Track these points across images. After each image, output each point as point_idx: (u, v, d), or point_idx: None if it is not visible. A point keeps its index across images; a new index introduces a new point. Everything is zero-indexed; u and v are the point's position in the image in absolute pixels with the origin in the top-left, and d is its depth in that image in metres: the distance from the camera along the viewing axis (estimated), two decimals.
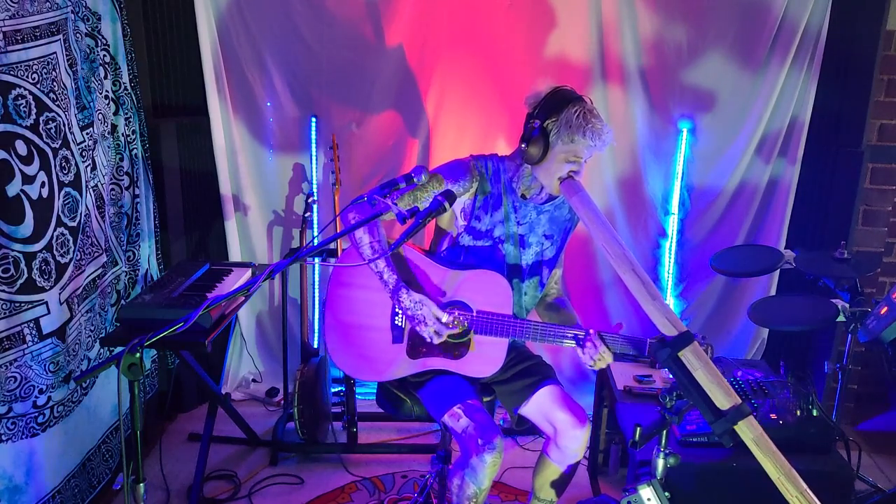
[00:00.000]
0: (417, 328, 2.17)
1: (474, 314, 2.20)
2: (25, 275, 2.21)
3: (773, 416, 2.31)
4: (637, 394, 2.69)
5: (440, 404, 2.20)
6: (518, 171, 2.26)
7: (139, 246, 3.05)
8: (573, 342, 2.14)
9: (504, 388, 2.35)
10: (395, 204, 2.09)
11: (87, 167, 2.59)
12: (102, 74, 2.74)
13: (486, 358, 2.23)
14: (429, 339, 2.17)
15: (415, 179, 2.14)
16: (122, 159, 2.90)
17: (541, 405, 2.26)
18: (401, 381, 2.34)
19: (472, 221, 2.25)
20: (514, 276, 2.31)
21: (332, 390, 3.39)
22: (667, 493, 1.84)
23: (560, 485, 2.33)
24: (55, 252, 2.36)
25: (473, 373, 2.25)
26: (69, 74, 2.48)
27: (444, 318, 2.15)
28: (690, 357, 1.76)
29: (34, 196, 2.25)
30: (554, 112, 2.14)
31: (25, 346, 2.25)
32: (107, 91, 2.78)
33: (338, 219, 2.88)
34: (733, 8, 3.21)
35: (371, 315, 2.28)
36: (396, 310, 2.26)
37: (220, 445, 3.16)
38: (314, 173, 3.49)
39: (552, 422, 2.24)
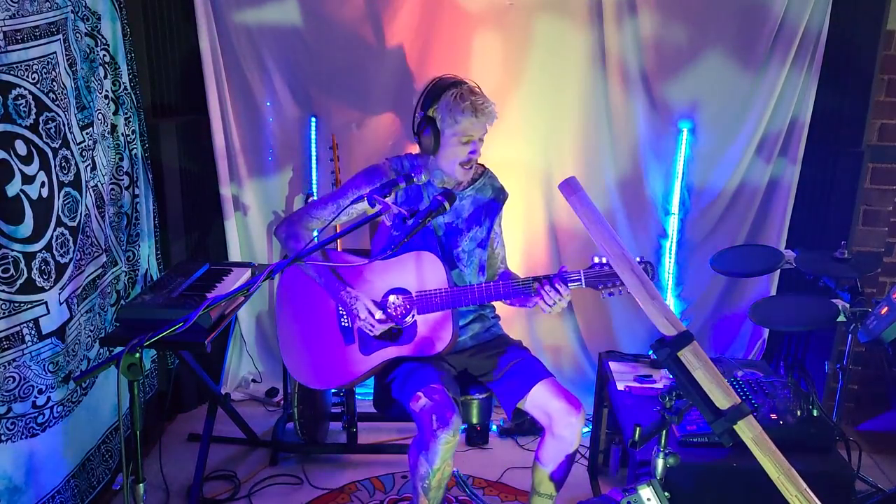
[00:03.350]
0: (356, 323, 2.26)
1: (414, 296, 2.27)
2: (25, 275, 2.21)
3: (773, 416, 2.31)
4: (637, 394, 2.69)
5: (407, 396, 2.25)
6: (428, 166, 2.36)
7: (139, 246, 3.05)
8: (530, 290, 2.22)
9: (500, 387, 2.37)
10: (395, 204, 2.12)
11: (87, 167, 2.59)
12: (102, 74, 2.74)
13: (436, 334, 2.29)
14: (368, 332, 2.26)
15: (415, 179, 2.18)
16: (121, 159, 2.90)
17: (537, 398, 2.29)
18: (382, 386, 2.39)
19: (399, 219, 2.31)
20: (453, 267, 2.38)
21: (332, 390, 3.39)
22: (667, 493, 1.83)
23: (559, 477, 2.34)
24: (55, 252, 2.36)
25: (428, 352, 2.30)
26: (69, 74, 2.48)
27: (378, 312, 2.25)
28: (690, 357, 1.75)
29: (34, 196, 2.25)
30: (434, 100, 2.26)
31: (25, 346, 2.25)
32: (106, 91, 2.78)
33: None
34: (733, 8, 3.20)
35: (319, 324, 2.37)
36: (340, 311, 2.33)
37: (220, 445, 3.16)
38: (314, 173, 3.48)
39: (547, 411, 2.27)
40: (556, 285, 2.20)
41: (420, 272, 2.28)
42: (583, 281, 2.22)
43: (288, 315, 2.42)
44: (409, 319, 2.30)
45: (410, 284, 2.29)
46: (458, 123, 2.22)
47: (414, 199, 2.36)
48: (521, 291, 2.25)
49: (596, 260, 2.24)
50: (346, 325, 2.35)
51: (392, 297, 2.30)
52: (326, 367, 2.36)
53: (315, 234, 3.49)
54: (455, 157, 2.27)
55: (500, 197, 2.48)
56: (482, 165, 2.48)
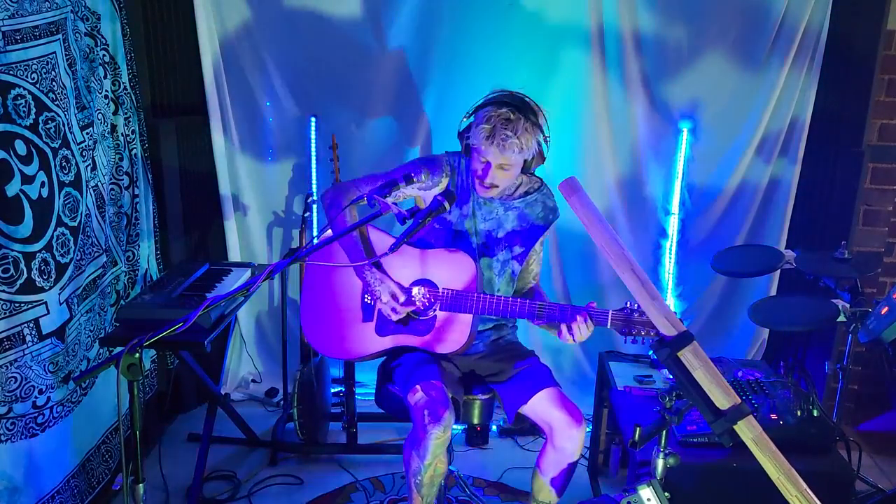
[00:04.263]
0: (377, 304, 2.27)
1: (440, 291, 2.26)
2: (25, 275, 2.21)
3: (773, 416, 2.31)
4: (637, 394, 2.68)
5: (405, 388, 2.25)
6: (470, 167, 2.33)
7: (139, 246, 3.05)
8: (556, 320, 2.18)
9: (505, 389, 2.36)
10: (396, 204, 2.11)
11: (87, 167, 2.59)
12: (102, 74, 2.74)
13: (452, 335, 2.29)
14: (387, 316, 2.26)
15: (414, 179, 2.17)
16: (121, 159, 2.90)
17: (539, 406, 2.27)
18: (386, 369, 2.39)
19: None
20: (483, 273, 2.36)
21: (332, 390, 3.39)
22: (667, 494, 1.83)
23: (559, 485, 2.33)
24: (55, 252, 2.36)
25: (439, 349, 2.30)
26: (68, 74, 2.48)
27: (402, 297, 2.25)
28: (690, 357, 1.75)
29: (34, 196, 2.25)
30: (476, 111, 2.23)
31: (25, 346, 2.24)
32: (106, 91, 2.78)
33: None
34: (733, 8, 3.21)
35: (343, 295, 2.37)
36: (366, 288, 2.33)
37: (220, 446, 3.16)
38: (314, 173, 3.48)
39: (548, 421, 2.25)
40: (586, 319, 2.15)
41: (452, 269, 2.27)
42: (609, 322, 2.18)
43: (316, 277, 2.41)
44: (430, 313, 2.29)
45: (439, 279, 2.29)
46: (479, 141, 2.19)
47: (462, 199, 2.34)
48: (547, 318, 2.21)
49: (627, 304, 2.17)
50: (369, 302, 2.35)
51: (417, 288, 2.29)
52: (340, 338, 2.37)
53: (315, 234, 3.51)
54: (475, 169, 2.25)
55: (549, 217, 2.41)
56: (539, 179, 2.41)
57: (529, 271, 2.48)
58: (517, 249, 2.39)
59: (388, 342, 2.34)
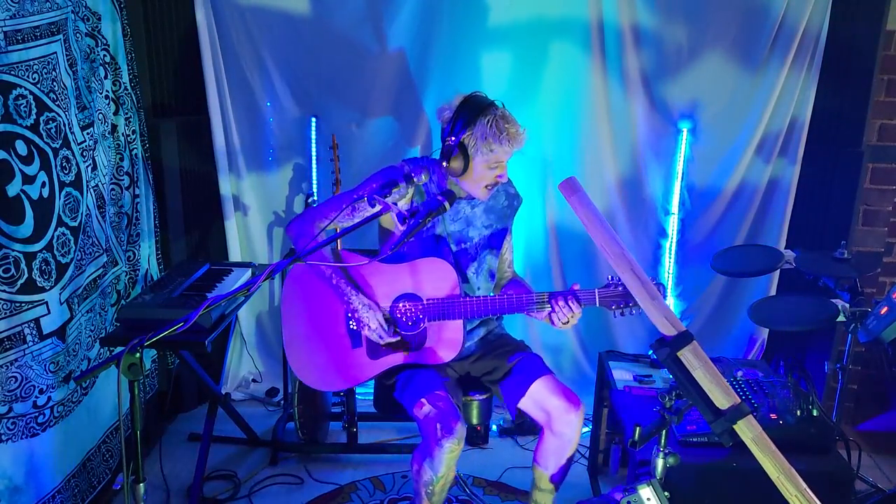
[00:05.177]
0: (363, 331, 2.25)
1: (424, 303, 2.25)
2: (26, 275, 2.22)
3: (773, 416, 2.31)
4: (637, 394, 2.69)
5: (410, 401, 2.24)
6: (447, 178, 2.33)
7: (139, 246, 3.05)
8: (544, 306, 2.22)
9: (503, 386, 2.37)
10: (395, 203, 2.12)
11: (87, 167, 2.59)
12: (103, 74, 2.75)
13: (444, 343, 2.29)
14: (375, 341, 2.25)
15: (415, 179, 2.17)
16: (122, 159, 2.90)
17: (537, 396, 2.28)
18: (383, 387, 2.38)
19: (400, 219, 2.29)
20: (462, 274, 2.36)
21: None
22: (666, 493, 1.83)
23: (558, 479, 2.34)
24: (56, 252, 2.37)
25: (435, 360, 2.30)
26: (69, 74, 2.48)
27: (388, 334, 2.24)
28: (689, 357, 1.75)
29: (34, 196, 2.25)
30: (468, 126, 2.20)
31: (26, 346, 2.25)
32: (107, 91, 2.78)
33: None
34: (733, 8, 3.21)
35: (326, 325, 2.34)
36: (349, 314, 2.31)
37: (220, 445, 3.16)
38: (314, 173, 3.49)
39: (546, 409, 2.26)
40: (570, 303, 2.18)
41: (431, 279, 2.27)
42: (597, 300, 2.21)
43: (294, 313, 2.38)
44: (420, 326, 2.28)
45: (421, 291, 2.27)
46: (493, 152, 2.18)
47: (429, 205, 2.33)
48: (533, 307, 2.24)
49: (610, 278, 2.22)
50: (354, 328, 2.33)
51: (402, 304, 2.28)
52: (332, 369, 2.34)
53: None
54: (482, 180, 2.24)
55: (513, 203, 2.45)
56: None
57: (504, 260, 2.50)
58: (490, 242, 2.41)
59: (382, 364, 2.33)
